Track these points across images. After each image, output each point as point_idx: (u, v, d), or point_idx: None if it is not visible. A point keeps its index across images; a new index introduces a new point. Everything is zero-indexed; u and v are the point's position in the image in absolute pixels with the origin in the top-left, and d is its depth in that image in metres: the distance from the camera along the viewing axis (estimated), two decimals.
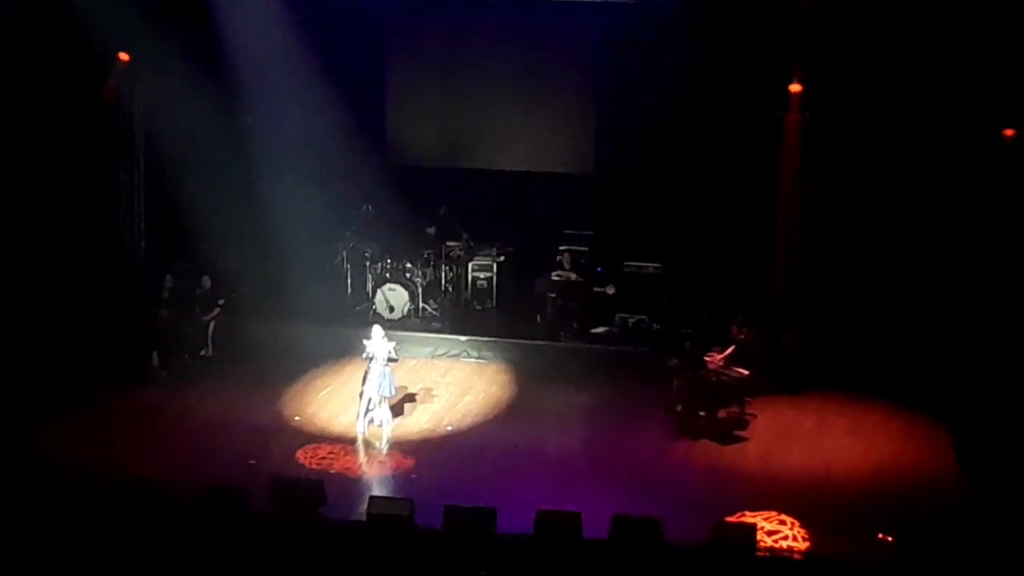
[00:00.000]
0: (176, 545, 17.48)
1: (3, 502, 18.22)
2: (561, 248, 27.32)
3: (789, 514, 20.13)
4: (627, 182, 27.62)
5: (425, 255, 27.82)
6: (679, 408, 23.67)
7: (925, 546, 19.11)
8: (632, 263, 27.20)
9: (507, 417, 24.11)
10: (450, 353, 26.65)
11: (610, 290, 27.03)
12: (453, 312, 27.65)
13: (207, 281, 26.27)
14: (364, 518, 18.21)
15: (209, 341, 26.25)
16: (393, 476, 21.82)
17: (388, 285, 27.42)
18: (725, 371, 23.44)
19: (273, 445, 22.54)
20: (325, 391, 24.82)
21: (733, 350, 23.61)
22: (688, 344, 24.10)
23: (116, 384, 24.62)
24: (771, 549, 19.05)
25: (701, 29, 25.62)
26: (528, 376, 25.70)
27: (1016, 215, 24.29)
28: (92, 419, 23.33)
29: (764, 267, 25.28)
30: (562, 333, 26.80)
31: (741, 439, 23.11)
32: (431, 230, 28.05)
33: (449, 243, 27.97)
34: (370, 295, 27.71)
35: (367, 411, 22.80)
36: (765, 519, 19.92)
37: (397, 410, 23.48)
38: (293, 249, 27.70)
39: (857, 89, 24.69)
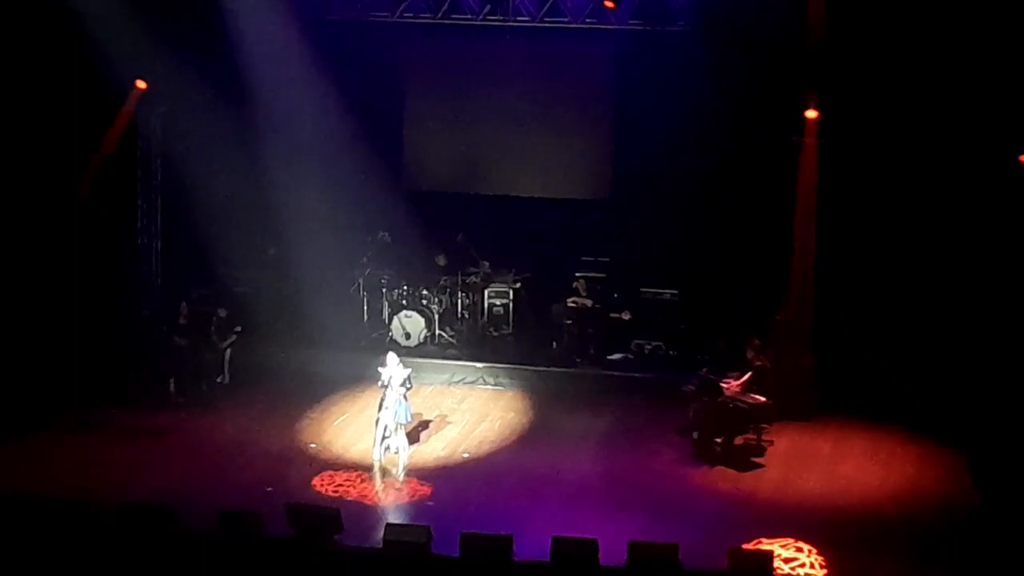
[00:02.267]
0: (190, 570, 17.47)
1: (17, 524, 18.22)
2: (577, 275, 27.30)
3: (806, 541, 20.08)
4: (643, 208, 27.59)
5: (441, 282, 27.83)
6: (695, 434, 23.63)
7: (943, 571, 19.07)
8: (648, 289, 27.18)
9: (523, 444, 24.09)
10: (466, 380, 26.62)
11: (626, 316, 27.03)
12: (469, 339, 27.64)
13: (223, 312, 26.27)
14: (380, 545, 18.17)
15: (226, 368, 26.24)
16: (409, 503, 21.80)
17: (404, 312, 27.42)
18: (742, 397, 23.39)
19: (289, 472, 22.55)
20: (341, 418, 24.82)
21: (750, 376, 23.56)
22: (705, 370, 24.05)
23: (132, 408, 24.66)
24: None
25: (716, 54, 25.64)
26: (544, 402, 25.68)
27: None
28: (109, 444, 23.36)
29: (780, 292, 25.24)
30: (578, 359, 26.78)
31: (758, 465, 23.07)
32: (441, 259, 28.04)
33: (467, 270, 27.95)
34: (386, 322, 27.71)
35: (383, 438, 22.76)
36: (782, 546, 19.88)
37: (413, 437, 23.47)
38: (310, 275, 27.70)
39: (873, 114, 24.70)
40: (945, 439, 23.32)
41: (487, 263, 27.94)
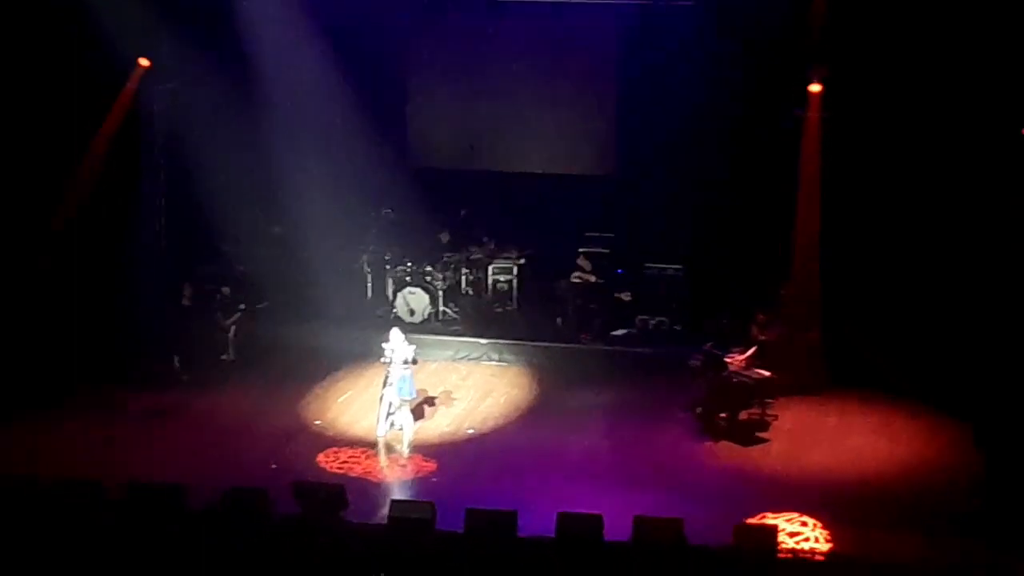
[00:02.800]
0: (196, 548, 17.50)
1: (24, 505, 18.25)
2: (581, 250, 27.30)
3: (811, 515, 20.10)
4: (647, 183, 27.54)
5: (445, 258, 27.82)
6: (700, 409, 23.65)
7: (950, 545, 19.09)
8: (652, 265, 27.17)
9: (528, 420, 24.12)
10: (471, 356, 26.65)
11: (626, 296, 27.02)
12: (473, 315, 27.64)
13: (226, 290, 26.26)
14: (385, 521, 18.19)
15: (230, 345, 26.27)
16: (414, 479, 21.84)
17: (408, 288, 27.44)
18: (747, 372, 23.40)
19: (294, 449, 22.58)
20: (346, 395, 24.85)
21: (755, 351, 23.56)
22: (709, 345, 24.03)
23: (137, 388, 24.70)
24: (793, 550, 18.99)
25: (720, 29, 25.58)
26: (549, 378, 25.70)
27: None
28: (113, 422, 23.40)
29: (784, 267, 25.23)
30: (582, 335, 26.78)
31: (763, 440, 23.09)
32: (444, 236, 28.02)
33: (470, 247, 27.94)
34: (390, 298, 27.72)
35: (388, 415, 22.80)
36: (787, 520, 19.90)
37: (418, 413, 23.50)
38: (314, 253, 27.70)
39: (877, 88, 24.63)
40: (951, 413, 23.31)
41: (487, 238, 27.93)
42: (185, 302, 25.87)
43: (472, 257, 27.93)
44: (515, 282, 27.77)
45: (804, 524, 19.92)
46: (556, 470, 21.84)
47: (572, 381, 25.51)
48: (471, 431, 23.59)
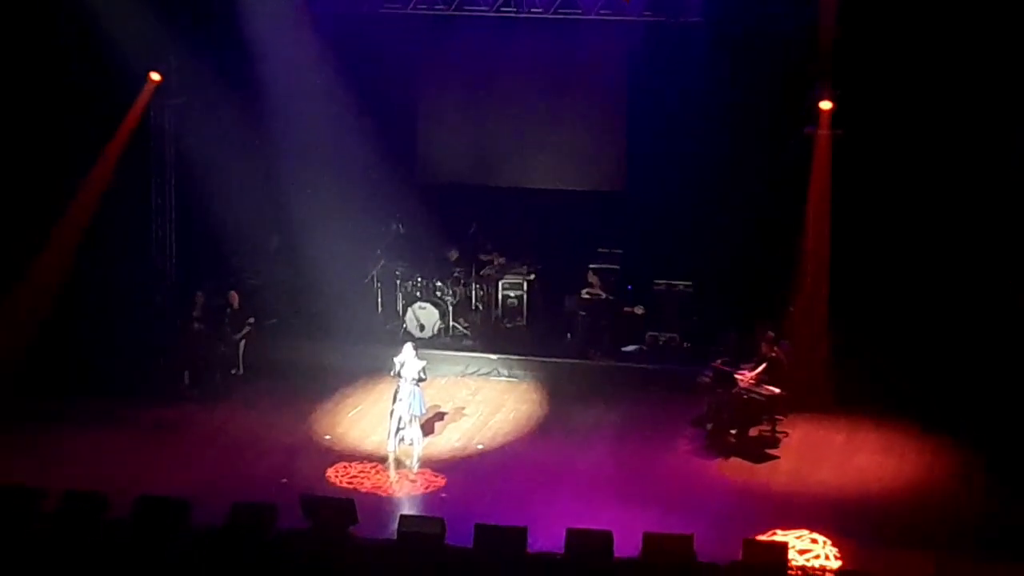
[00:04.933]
0: (204, 563, 17.50)
1: (30, 517, 18.26)
2: (591, 266, 27.31)
3: (821, 532, 20.09)
4: (657, 200, 27.54)
5: (455, 273, 27.84)
6: (710, 426, 23.65)
7: (959, 562, 19.06)
8: (662, 281, 27.16)
9: (538, 435, 24.11)
10: (480, 371, 26.65)
11: (639, 310, 27.04)
12: (483, 330, 27.66)
13: (234, 297, 26.27)
14: (395, 537, 18.18)
15: (240, 359, 26.28)
16: (424, 495, 21.83)
17: (419, 303, 27.45)
18: (756, 389, 23.39)
19: (304, 463, 22.59)
20: (356, 410, 24.86)
21: (764, 368, 23.55)
22: (719, 362, 24.03)
23: (147, 402, 24.71)
24: (802, 568, 18.95)
25: (730, 46, 25.60)
26: (558, 394, 25.68)
27: None
28: (122, 436, 23.42)
29: (794, 284, 25.24)
30: (592, 351, 26.78)
31: (772, 457, 23.07)
32: (452, 253, 28.05)
33: (481, 262, 27.94)
34: (401, 313, 27.73)
35: (398, 430, 22.81)
36: (797, 537, 19.88)
37: (428, 429, 23.50)
38: (324, 267, 27.72)
39: (888, 105, 24.65)
40: (958, 431, 23.29)
41: (497, 254, 27.94)
42: (196, 312, 25.82)
43: (483, 273, 27.92)
44: (525, 297, 27.77)
45: (814, 541, 19.91)
46: (565, 486, 21.83)
47: (582, 397, 25.49)
48: (481, 447, 23.59)
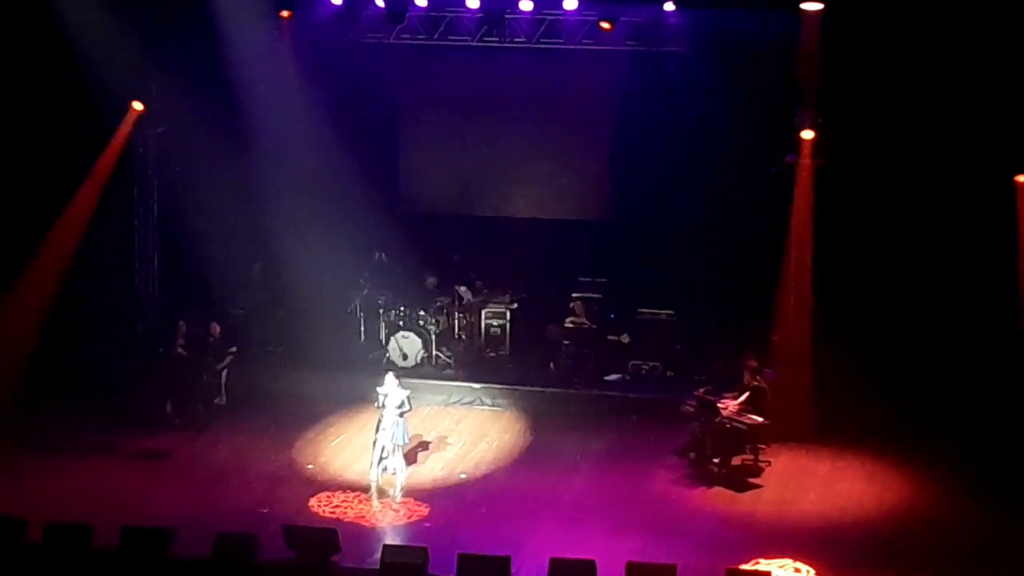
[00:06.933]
0: None
1: (13, 547, 18.20)
2: (574, 295, 27.33)
3: (804, 560, 20.07)
4: (640, 229, 27.61)
5: (438, 302, 27.84)
6: (693, 455, 23.64)
7: None
8: (645, 310, 27.20)
9: (521, 464, 24.08)
10: (464, 400, 26.63)
11: (625, 339, 27.08)
12: (467, 359, 27.65)
13: (215, 328, 26.23)
14: (378, 566, 18.15)
15: (223, 389, 26.23)
16: (407, 524, 21.76)
17: (402, 332, 27.43)
18: (739, 418, 23.39)
19: (287, 493, 22.54)
20: (339, 439, 24.82)
21: (747, 396, 23.56)
22: (702, 391, 24.04)
23: (130, 431, 24.66)
24: None
25: (713, 76, 25.67)
26: (542, 423, 25.67)
27: None
28: (106, 466, 23.37)
29: (776, 313, 25.29)
30: (575, 380, 26.78)
31: (755, 486, 23.06)
32: (431, 280, 28.03)
33: (457, 287, 27.91)
34: (384, 343, 27.71)
35: (381, 459, 22.78)
36: (780, 566, 19.86)
37: (411, 458, 23.47)
38: (306, 296, 27.73)
39: (870, 134, 24.74)
40: (941, 461, 23.34)
41: (477, 281, 27.95)
42: (180, 341, 25.77)
43: (464, 302, 27.92)
44: (508, 327, 27.80)
45: (797, 571, 19.88)
46: (549, 515, 21.79)
47: (565, 426, 25.48)
48: (464, 476, 23.56)
